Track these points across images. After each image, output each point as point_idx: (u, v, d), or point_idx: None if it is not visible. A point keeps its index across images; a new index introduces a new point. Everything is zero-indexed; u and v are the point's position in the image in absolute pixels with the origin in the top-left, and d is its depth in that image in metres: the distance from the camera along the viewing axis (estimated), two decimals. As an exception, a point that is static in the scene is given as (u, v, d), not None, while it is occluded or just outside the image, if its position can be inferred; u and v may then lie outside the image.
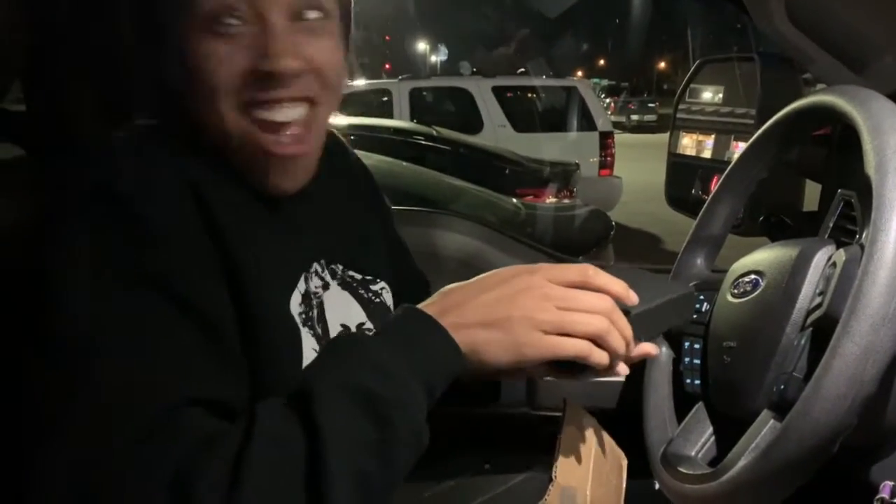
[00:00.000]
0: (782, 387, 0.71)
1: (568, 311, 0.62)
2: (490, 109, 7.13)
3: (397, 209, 1.47)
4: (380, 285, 0.84)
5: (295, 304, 0.70)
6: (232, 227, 0.64)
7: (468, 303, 0.62)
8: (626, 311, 0.66)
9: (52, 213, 0.62)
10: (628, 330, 0.65)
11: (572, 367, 0.65)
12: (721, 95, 1.65)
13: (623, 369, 0.67)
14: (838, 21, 0.94)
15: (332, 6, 0.68)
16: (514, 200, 3.81)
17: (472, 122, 7.05)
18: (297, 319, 0.69)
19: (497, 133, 6.93)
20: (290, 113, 0.67)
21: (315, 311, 0.72)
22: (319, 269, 0.75)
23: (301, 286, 0.71)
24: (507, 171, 5.08)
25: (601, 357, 0.63)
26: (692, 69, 1.63)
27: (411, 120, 6.96)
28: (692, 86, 1.67)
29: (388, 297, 0.84)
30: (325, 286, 0.75)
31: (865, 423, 0.63)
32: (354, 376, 0.56)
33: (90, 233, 0.59)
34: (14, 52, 0.83)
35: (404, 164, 3.90)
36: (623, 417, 1.19)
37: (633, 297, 0.66)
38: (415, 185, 3.52)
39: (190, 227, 0.62)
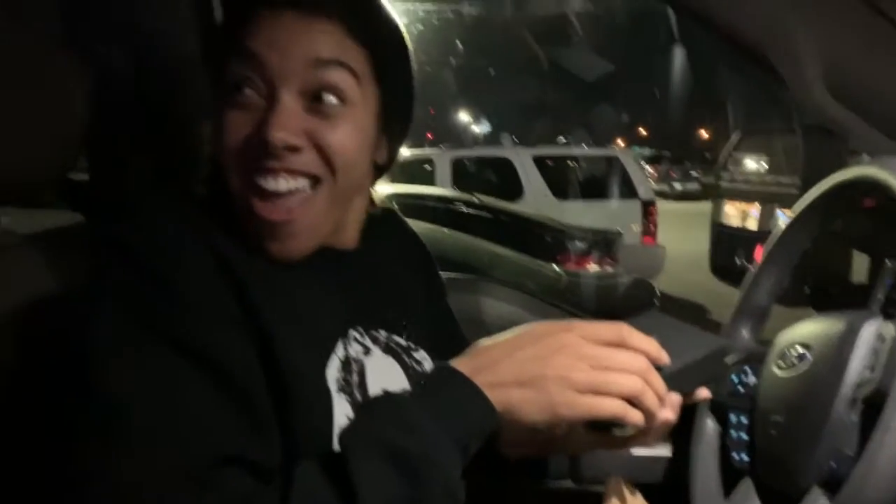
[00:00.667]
0: (833, 464, 0.69)
1: (603, 370, 0.62)
2: (531, 178, 7.19)
3: (448, 275, 1.50)
4: (421, 354, 0.84)
5: (333, 370, 0.70)
6: (260, 295, 0.66)
7: (502, 361, 0.62)
8: (659, 369, 0.66)
9: (84, 278, 0.65)
10: (663, 389, 0.64)
11: (607, 427, 0.65)
12: (765, 164, 1.65)
13: (660, 443, 0.66)
14: (878, 92, 0.94)
15: (354, 95, 0.69)
16: (556, 267, 3.81)
17: (513, 190, 7.11)
18: (334, 386, 0.69)
19: (538, 201, 6.97)
20: (283, 184, 0.67)
21: (355, 377, 0.72)
22: (358, 335, 0.75)
23: (340, 352, 0.71)
24: (548, 239, 5.08)
25: (636, 417, 0.63)
26: (736, 138, 1.63)
27: (453, 188, 7.05)
28: (735, 154, 1.68)
29: (428, 367, 0.84)
30: (367, 351, 0.75)
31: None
32: (388, 436, 0.56)
33: (116, 298, 0.61)
34: (80, 125, 0.88)
35: (446, 230, 3.94)
36: (669, 492, 1.16)
37: (664, 358, 0.66)
38: (456, 252, 3.55)
39: (217, 293, 0.64)
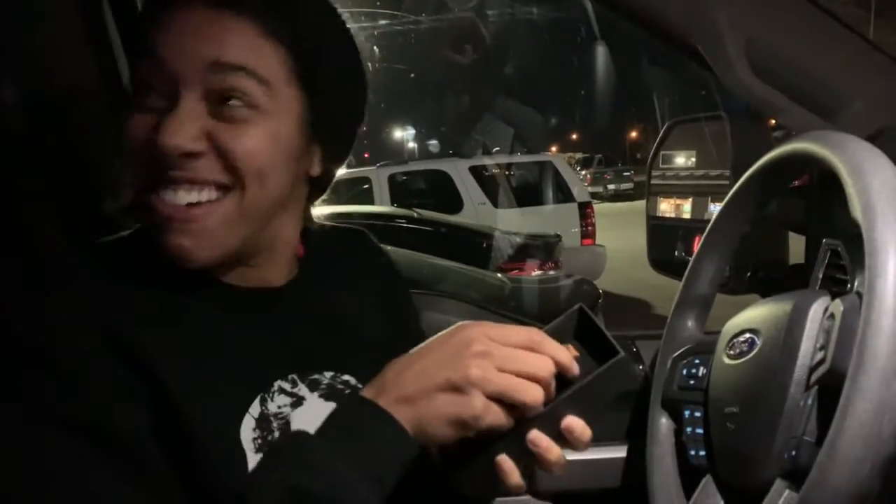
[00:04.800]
0: (794, 453, 0.66)
1: (509, 375, 0.59)
2: (469, 188, 7.21)
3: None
4: None
5: (247, 429, 0.64)
6: (167, 352, 0.60)
7: (406, 372, 0.59)
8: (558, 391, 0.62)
9: None
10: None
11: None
12: (693, 159, 1.65)
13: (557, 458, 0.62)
14: (802, 70, 0.93)
15: (264, 102, 0.63)
16: (499, 275, 3.79)
17: (452, 202, 7.11)
18: (250, 445, 0.63)
19: (478, 210, 6.99)
20: (184, 196, 0.62)
21: (277, 434, 0.65)
22: (288, 386, 0.69)
23: (255, 409, 0.65)
24: (489, 248, 5.08)
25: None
26: (662, 131, 1.63)
27: (392, 204, 7.01)
28: (664, 152, 1.67)
29: None
30: (298, 402, 0.68)
31: (889, 486, 0.58)
32: (291, 477, 0.53)
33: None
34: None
35: (389, 247, 3.88)
36: (628, 496, 1.13)
37: (575, 369, 0.62)
38: (399, 267, 3.49)
39: (103, 360, 0.57)
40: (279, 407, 0.67)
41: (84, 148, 1.17)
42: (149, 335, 0.60)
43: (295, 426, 0.67)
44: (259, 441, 0.64)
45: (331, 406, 0.69)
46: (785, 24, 0.93)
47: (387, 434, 0.56)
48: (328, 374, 0.72)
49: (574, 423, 0.62)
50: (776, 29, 0.92)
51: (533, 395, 0.59)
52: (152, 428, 0.58)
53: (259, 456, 0.63)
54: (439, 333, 0.62)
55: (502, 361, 0.59)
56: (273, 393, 0.67)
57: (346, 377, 0.73)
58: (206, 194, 0.62)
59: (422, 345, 0.62)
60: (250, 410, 0.64)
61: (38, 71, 1.15)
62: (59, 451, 0.53)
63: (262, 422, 0.65)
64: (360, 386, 0.73)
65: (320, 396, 0.70)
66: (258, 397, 0.66)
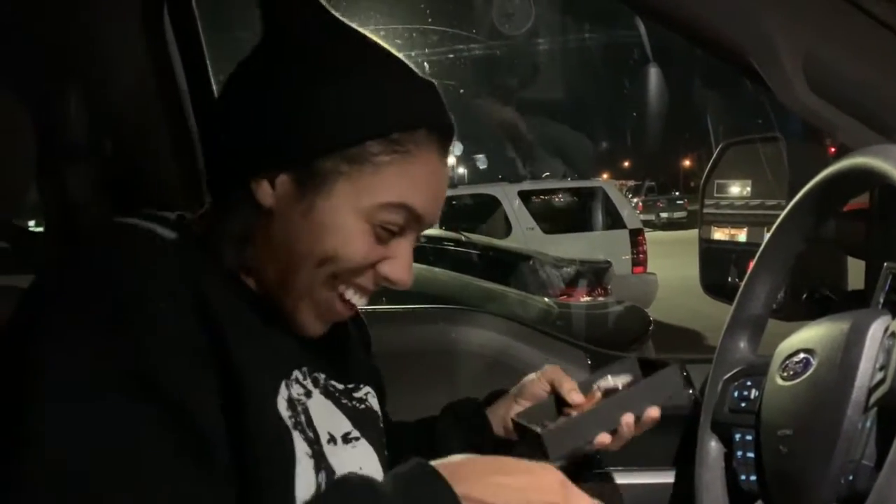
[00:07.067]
0: (851, 477, 0.63)
1: None
2: (518, 213, 7.20)
3: (422, 308, 1.45)
4: (364, 391, 0.82)
5: (283, 409, 0.67)
6: (231, 332, 0.63)
7: (481, 478, 0.62)
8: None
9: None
10: None
11: None
12: (749, 189, 1.62)
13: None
14: (862, 87, 0.91)
15: None
16: (547, 300, 3.75)
17: (501, 226, 7.10)
18: (288, 423, 0.67)
19: (526, 235, 6.96)
20: (361, 301, 0.72)
21: (303, 417, 0.69)
22: (301, 377, 0.72)
23: (283, 392, 0.68)
24: (537, 273, 5.04)
25: None
26: (715, 153, 1.60)
27: (440, 227, 7.04)
28: (718, 181, 1.65)
29: (374, 402, 0.84)
30: (308, 394, 0.72)
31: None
32: None
33: (84, 328, 0.56)
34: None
35: (436, 269, 3.89)
36: (675, 523, 1.09)
37: None
38: (446, 290, 3.50)
39: (187, 326, 0.59)
40: (297, 395, 0.70)
41: (139, 154, 1.21)
42: (223, 312, 0.63)
43: (313, 414, 0.71)
44: (293, 420, 0.67)
45: (330, 404, 0.75)
46: (844, 38, 0.90)
47: None
48: (323, 376, 0.76)
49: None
50: (835, 44, 0.90)
51: None
52: (217, 401, 0.60)
53: (297, 433, 0.67)
54: (524, 461, 0.65)
55: None
56: (292, 381, 0.70)
57: (334, 382, 0.78)
58: None
59: (501, 458, 0.65)
60: (280, 392, 0.68)
61: (98, 81, 1.20)
62: (133, 417, 0.54)
63: (291, 404, 0.68)
64: (349, 387, 0.80)
65: (321, 393, 0.74)
66: (283, 382, 0.69)
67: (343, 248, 0.66)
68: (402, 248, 0.70)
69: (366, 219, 0.66)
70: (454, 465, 0.62)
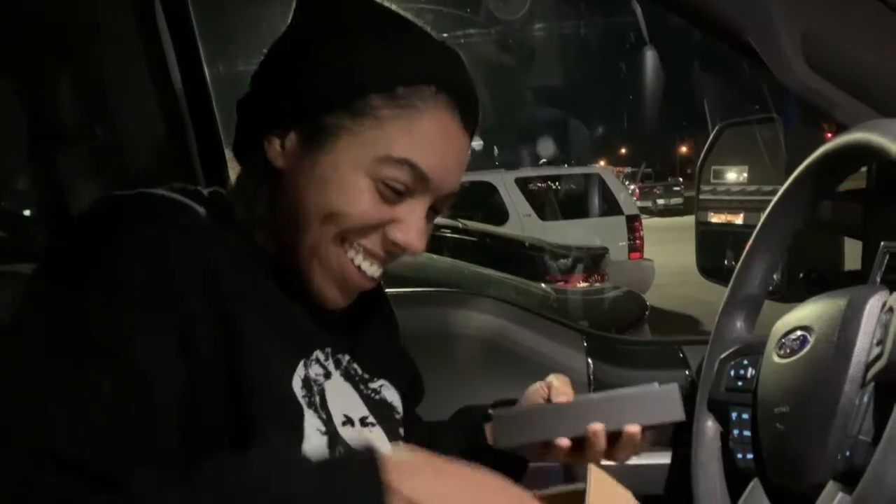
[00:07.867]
0: (848, 453, 0.63)
1: None
2: (514, 200, 7.19)
3: (420, 290, 1.44)
4: (378, 382, 0.81)
5: (297, 387, 0.67)
6: (245, 308, 0.62)
7: (431, 479, 0.54)
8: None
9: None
10: None
11: None
12: (745, 175, 1.62)
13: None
14: (861, 64, 0.90)
15: None
16: (544, 286, 3.75)
17: (498, 213, 7.09)
18: (301, 401, 0.66)
19: (523, 222, 6.95)
20: (377, 272, 0.71)
21: (318, 398, 0.69)
22: (322, 357, 0.72)
23: (301, 371, 0.68)
24: (534, 259, 5.04)
25: None
26: (712, 135, 1.59)
27: (437, 215, 7.02)
28: (715, 167, 1.64)
29: (387, 393, 0.81)
30: (327, 375, 0.72)
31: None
32: (264, 486, 0.51)
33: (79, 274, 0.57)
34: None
35: (434, 256, 3.89)
36: (672, 503, 1.10)
37: None
38: (444, 277, 3.50)
39: (182, 300, 0.58)
40: (315, 375, 0.70)
41: (133, 142, 1.20)
42: (230, 282, 0.62)
43: (328, 395, 0.69)
44: (307, 399, 0.66)
45: (348, 387, 0.75)
46: (842, 15, 0.90)
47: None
48: (346, 357, 0.76)
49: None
50: (833, 21, 0.90)
51: None
52: (181, 376, 0.58)
53: (311, 411, 0.66)
54: (483, 473, 0.56)
55: None
56: (312, 361, 0.70)
57: (356, 366, 0.78)
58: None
59: (466, 467, 0.56)
60: (297, 371, 0.67)
61: (93, 72, 1.19)
62: (87, 358, 0.54)
63: (307, 383, 0.68)
64: (367, 376, 0.78)
65: (341, 375, 0.74)
66: (303, 361, 0.69)
67: (345, 204, 0.65)
68: (412, 211, 0.68)
69: (367, 174, 0.65)
70: (409, 458, 0.55)
